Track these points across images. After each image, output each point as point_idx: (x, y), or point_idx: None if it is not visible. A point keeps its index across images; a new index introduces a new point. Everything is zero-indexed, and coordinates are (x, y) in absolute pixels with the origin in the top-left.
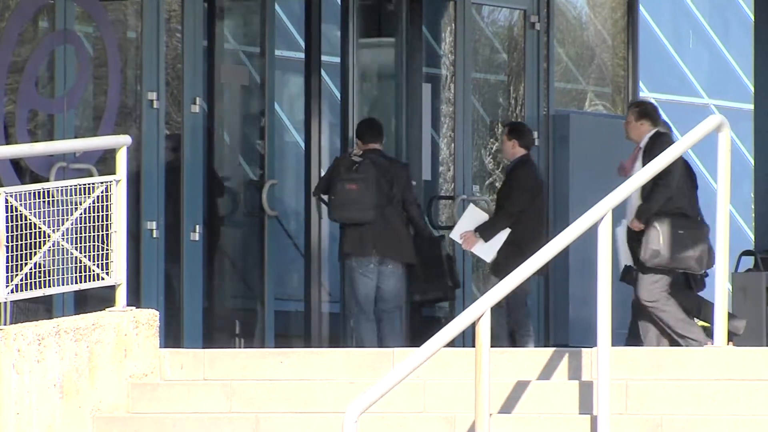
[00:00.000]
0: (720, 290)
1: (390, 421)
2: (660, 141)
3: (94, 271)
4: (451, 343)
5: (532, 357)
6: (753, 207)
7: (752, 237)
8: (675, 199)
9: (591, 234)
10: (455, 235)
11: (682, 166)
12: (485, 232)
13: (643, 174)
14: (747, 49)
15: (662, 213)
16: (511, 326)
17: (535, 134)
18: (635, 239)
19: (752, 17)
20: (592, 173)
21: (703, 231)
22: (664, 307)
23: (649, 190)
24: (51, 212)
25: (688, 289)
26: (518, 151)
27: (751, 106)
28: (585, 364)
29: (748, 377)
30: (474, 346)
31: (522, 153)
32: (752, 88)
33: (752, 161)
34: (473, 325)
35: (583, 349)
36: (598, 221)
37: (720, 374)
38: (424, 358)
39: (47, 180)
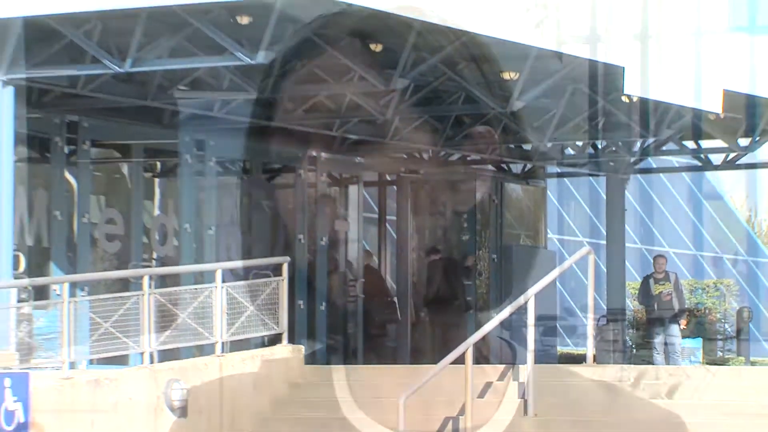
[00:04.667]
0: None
1: (420, 403)
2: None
3: (270, 324)
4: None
5: (494, 369)
6: (605, 292)
7: (605, 307)
8: None
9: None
10: None
11: None
12: None
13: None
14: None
15: None
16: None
17: (494, 256)
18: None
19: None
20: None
21: None
22: None
23: None
24: (248, 295)
25: None
26: None
27: (605, 242)
28: (522, 372)
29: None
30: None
31: None
32: (605, 232)
33: (605, 270)
34: (464, 353)
35: (520, 365)
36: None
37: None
38: (438, 370)
39: (247, 279)
